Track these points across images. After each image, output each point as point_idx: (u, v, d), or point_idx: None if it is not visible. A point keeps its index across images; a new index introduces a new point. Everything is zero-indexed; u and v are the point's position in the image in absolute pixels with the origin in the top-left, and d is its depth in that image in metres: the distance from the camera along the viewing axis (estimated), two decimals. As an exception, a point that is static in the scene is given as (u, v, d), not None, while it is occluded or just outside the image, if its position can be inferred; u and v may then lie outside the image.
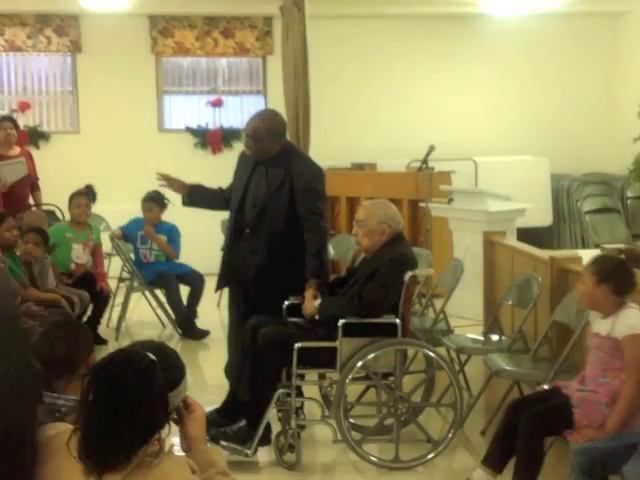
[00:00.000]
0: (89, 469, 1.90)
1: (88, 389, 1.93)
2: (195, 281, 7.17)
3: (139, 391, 1.89)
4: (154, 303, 7.34)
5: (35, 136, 9.87)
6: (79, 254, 6.82)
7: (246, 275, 4.72)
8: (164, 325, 7.37)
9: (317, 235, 4.63)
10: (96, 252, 7.00)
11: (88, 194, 7.18)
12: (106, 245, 7.62)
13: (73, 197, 7.07)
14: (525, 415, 3.68)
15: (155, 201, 7.07)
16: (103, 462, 1.89)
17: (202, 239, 7.98)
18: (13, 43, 9.77)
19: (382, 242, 4.47)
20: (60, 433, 2.00)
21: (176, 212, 7.19)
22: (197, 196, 5.02)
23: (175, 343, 6.86)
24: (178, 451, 2.09)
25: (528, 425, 3.67)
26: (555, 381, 4.10)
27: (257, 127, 4.69)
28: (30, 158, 7.72)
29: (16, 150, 7.60)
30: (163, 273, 7.14)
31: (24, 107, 9.85)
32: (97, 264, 6.97)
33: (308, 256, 4.58)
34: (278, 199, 4.64)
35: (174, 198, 6.83)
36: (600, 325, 3.78)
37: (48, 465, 1.96)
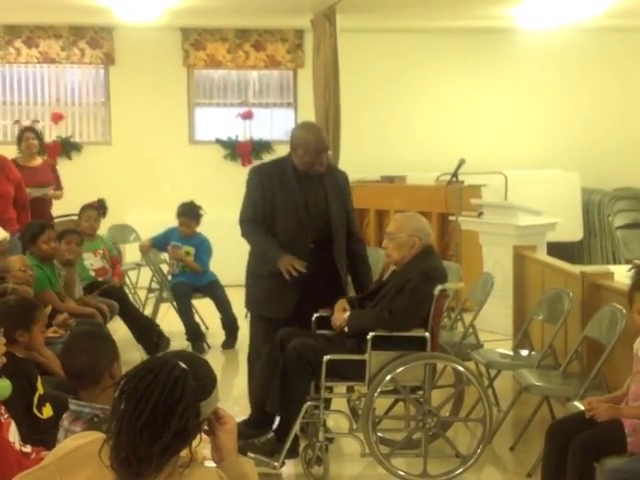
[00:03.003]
0: (121, 478, 1.91)
1: (120, 398, 1.93)
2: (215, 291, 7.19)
3: (171, 400, 1.89)
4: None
5: (67, 147, 9.97)
6: (93, 261, 6.86)
7: (311, 291, 4.57)
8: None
9: (364, 244, 4.95)
10: (114, 263, 7.04)
11: (99, 208, 7.20)
12: (136, 255, 7.66)
13: (84, 209, 7.11)
14: (575, 441, 3.51)
15: (192, 216, 7.07)
16: (134, 471, 1.89)
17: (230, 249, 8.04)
18: (47, 55, 9.89)
19: (412, 255, 4.46)
20: (92, 442, 2.00)
21: (204, 222, 7.25)
22: None
23: (203, 354, 6.87)
24: (209, 462, 2.09)
25: (579, 452, 3.49)
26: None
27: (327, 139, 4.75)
28: (52, 169, 7.70)
29: (38, 161, 7.61)
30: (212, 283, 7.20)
31: (57, 118, 9.94)
32: (116, 274, 7.01)
33: (364, 265, 4.79)
34: (338, 209, 4.69)
35: (207, 208, 6.89)
36: None
37: (80, 473, 1.96)
